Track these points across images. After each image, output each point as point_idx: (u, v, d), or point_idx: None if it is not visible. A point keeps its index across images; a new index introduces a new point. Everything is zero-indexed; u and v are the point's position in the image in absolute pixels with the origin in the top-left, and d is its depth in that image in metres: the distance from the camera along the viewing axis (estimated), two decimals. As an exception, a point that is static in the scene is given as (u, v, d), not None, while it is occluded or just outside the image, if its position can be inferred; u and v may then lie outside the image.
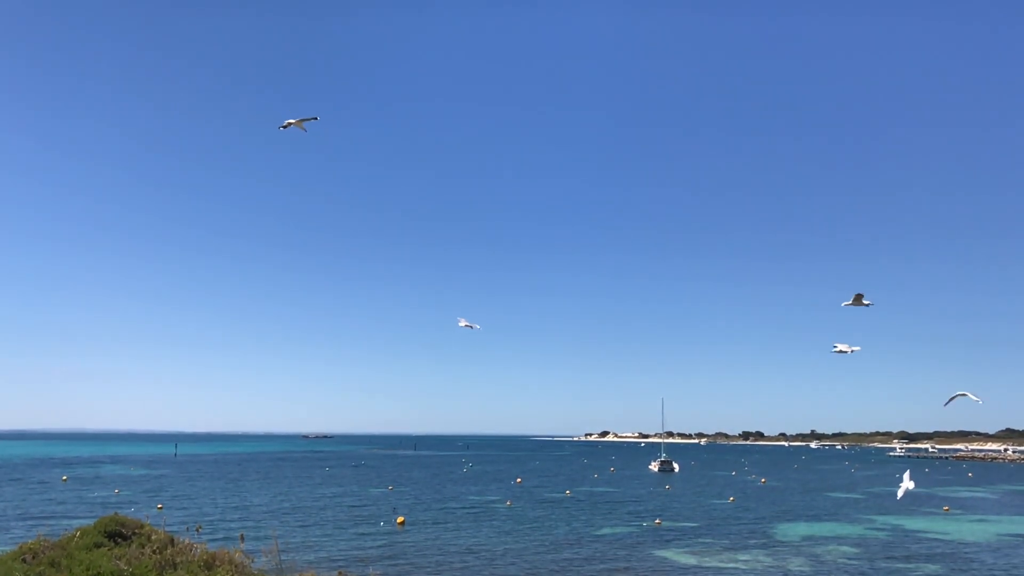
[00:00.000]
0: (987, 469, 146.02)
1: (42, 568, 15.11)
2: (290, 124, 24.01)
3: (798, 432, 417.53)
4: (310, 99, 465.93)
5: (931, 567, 34.88)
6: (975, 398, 23.48)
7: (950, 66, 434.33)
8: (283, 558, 28.38)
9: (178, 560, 16.50)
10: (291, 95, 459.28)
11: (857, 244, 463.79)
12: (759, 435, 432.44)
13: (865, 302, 23.70)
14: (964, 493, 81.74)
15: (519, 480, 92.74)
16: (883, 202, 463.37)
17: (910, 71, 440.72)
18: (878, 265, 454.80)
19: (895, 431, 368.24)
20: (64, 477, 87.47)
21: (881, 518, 55.22)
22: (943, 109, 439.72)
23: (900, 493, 21.19)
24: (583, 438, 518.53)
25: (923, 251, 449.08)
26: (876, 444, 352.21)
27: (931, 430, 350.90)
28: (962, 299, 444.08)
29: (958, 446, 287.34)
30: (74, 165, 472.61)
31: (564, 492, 74.75)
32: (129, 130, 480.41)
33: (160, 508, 52.76)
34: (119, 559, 15.79)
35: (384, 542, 39.52)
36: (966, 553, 39.09)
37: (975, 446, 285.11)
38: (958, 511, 61.39)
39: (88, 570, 14.88)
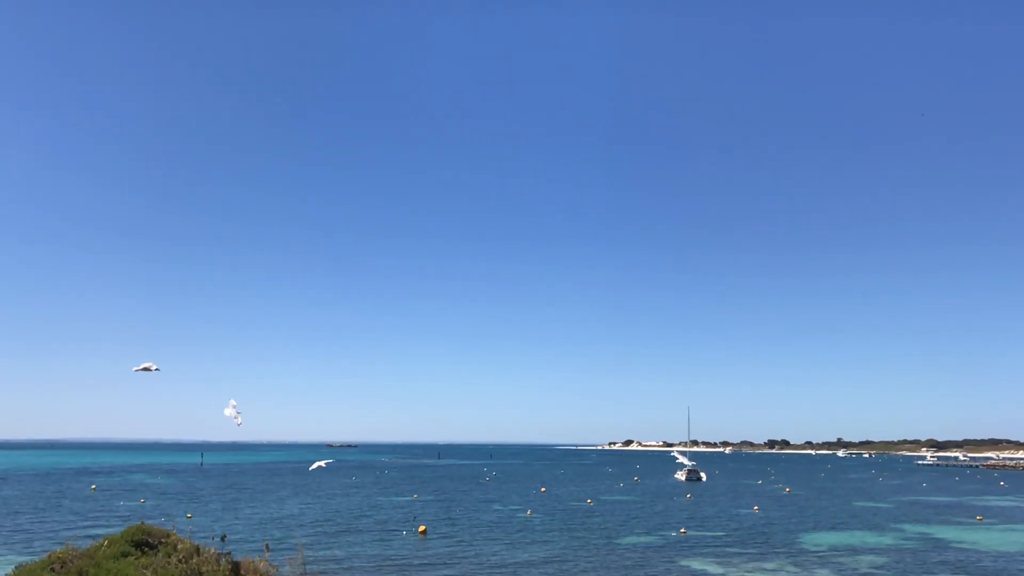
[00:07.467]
0: (1020, 478, 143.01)
1: (70, 577, 15.23)
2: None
3: (824, 440, 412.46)
4: (310, 99, 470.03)
5: (963, 578, 34.21)
6: (154, 367, 21.69)
7: (949, 67, 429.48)
8: (308, 567, 28.48)
9: (204, 569, 16.58)
10: (292, 95, 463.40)
11: (883, 252, 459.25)
12: (785, 443, 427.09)
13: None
14: (997, 502, 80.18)
15: (543, 489, 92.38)
16: (916, 208, 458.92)
17: (909, 72, 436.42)
18: (906, 273, 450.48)
19: (923, 439, 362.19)
20: (93, 486, 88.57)
21: (911, 527, 54.33)
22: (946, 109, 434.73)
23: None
24: (607, 447, 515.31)
25: (951, 257, 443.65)
26: (904, 452, 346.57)
27: (960, 438, 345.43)
28: (992, 305, 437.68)
29: (989, 454, 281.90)
30: (106, 163, 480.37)
31: (587, 501, 74.34)
32: (144, 133, 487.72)
33: (190, 517, 53.24)
34: (145, 568, 15.90)
35: (407, 551, 39.54)
36: (1001, 564, 38.28)
37: (1007, 454, 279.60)
38: (992, 520, 60.25)
39: (115, 579, 14.97)
